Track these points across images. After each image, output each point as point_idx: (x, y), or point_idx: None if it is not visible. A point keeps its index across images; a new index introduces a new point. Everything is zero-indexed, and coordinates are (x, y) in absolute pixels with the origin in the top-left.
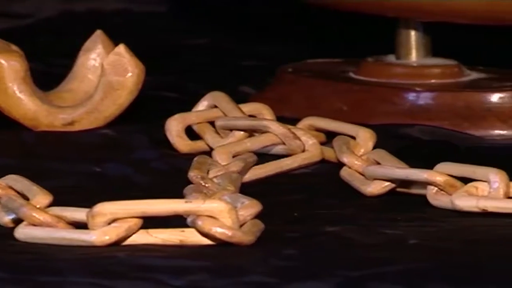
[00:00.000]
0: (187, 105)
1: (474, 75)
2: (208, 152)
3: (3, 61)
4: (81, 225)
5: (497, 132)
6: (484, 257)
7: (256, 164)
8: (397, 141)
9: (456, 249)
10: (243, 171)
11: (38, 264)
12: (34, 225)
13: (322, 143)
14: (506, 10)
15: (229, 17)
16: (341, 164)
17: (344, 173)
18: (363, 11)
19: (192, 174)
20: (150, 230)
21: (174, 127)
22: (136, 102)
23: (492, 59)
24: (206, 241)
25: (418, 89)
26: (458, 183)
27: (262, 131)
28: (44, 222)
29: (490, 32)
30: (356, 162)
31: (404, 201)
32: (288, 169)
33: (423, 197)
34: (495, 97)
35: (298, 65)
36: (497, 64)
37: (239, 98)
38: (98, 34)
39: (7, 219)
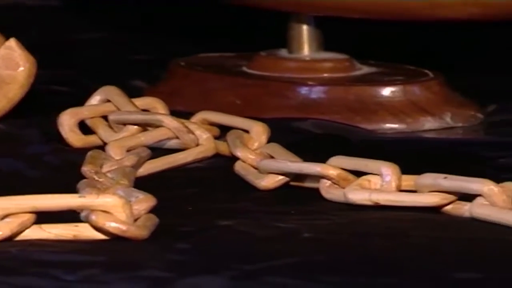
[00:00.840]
0: (80, 100)
1: (365, 69)
2: (102, 147)
3: None
4: None
5: (388, 125)
6: (376, 249)
7: (150, 158)
8: (290, 135)
9: (348, 242)
10: (137, 166)
11: None
12: None
13: (215, 137)
14: (396, 4)
15: (121, 11)
16: (235, 158)
17: (238, 167)
18: (255, 5)
19: (86, 169)
20: (43, 225)
21: (67, 121)
22: (28, 96)
23: (383, 53)
24: (100, 236)
25: (310, 83)
26: (350, 177)
27: (155, 125)
28: None
29: (381, 27)
30: (250, 156)
31: (297, 194)
32: (182, 163)
33: (317, 190)
34: (386, 91)
35: (190, 59)
36: (388, 59)
37: (132, 93)
38: None
39: None
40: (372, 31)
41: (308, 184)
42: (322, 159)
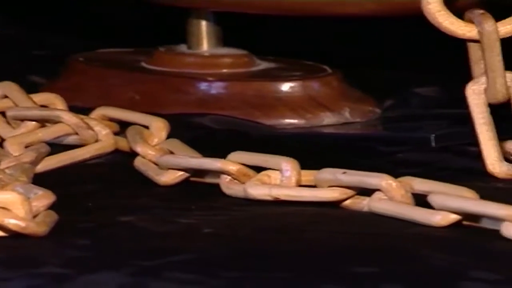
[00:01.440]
0: None
1: (264, 65)
2: (0, 143)
3: None
4: None
5: (287, 121)
6: (275, 244)
7: (49, 154)
8: (190, 130)
9: (248, 238)
10: (35, 162)
11: None
12: None
13: (115, 133)
14: (294, 0)
15: (19, 6)
16: (134, 154)
17: (137, 162)
18: (154, 1)
19: None
20: None
21: None
22: None
23: (281, 49)
24: None
25: (209, 78)
26: (251, 172)
27: (54, 121)
28: None
29: (278, 22)
30: (149, 151)
31: (198, 190)
32: (81, 159)
33: (217, 186)
34: (285, 87)
35: (89, 54)
36: (286, 54)
37: (30, 88)
38: None
39: None
40: (270, 26)
41: (208, 179)
42: (222, 155)
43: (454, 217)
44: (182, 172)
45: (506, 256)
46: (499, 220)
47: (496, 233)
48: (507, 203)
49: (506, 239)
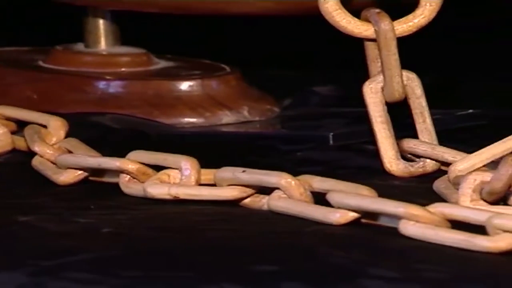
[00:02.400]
0: None
1: (163, 64)
2: None
3: None
4: None
5: (186, 120)
6: (175, 244)
7: None
8: (89, 129)
9: (148, 237)
10: None
11: None
12: None
13: (13, 132)
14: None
15: None
16: (33, 154)
17: (36, 162)
18: None
19: None
20: None
21: None
22: None
23: (180, 48)
24: None
25: (108, 77)
26: (150, 171)
27: None
28: None
29: (177, 21)
30: (48, 151)
31: (97, 189)
32: None
33: (116, 185)
34: (184, 85)
35: None
36: (185, 53)
37: None
38: None
39: None
40: (169, 25)
41: (107, 179)
42: (121, 154)
43: (352, 215)
44: (81, 172)
45: (403, 253)
46: (396, 217)
47: (394, 231)
48: (404, 201)
49: (403, 237)
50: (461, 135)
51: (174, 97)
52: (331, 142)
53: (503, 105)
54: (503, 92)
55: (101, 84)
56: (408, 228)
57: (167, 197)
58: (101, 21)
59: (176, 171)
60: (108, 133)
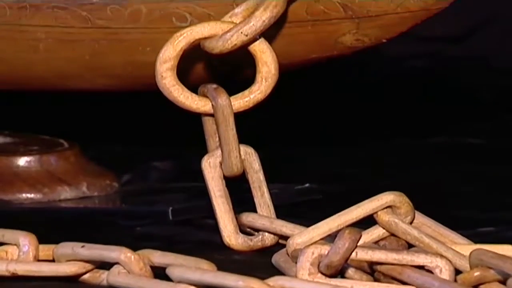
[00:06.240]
0: None
1: (0, 140)
2: None
3: None
4: None
5: (25, 195)
6: None
7: None
8: None
9: None
10: None
11: None
12: None
13: None
14: (25, 74)
15: None
16: None
17: None
18: None
19: None
20: None
21: None
22: None
23: (16, 124)
24: None
25: None
26: None
27: None
28: None
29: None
30: None
31: None
32: None
33: None
34: (22, 161)
35: None
36: (23, 129)
37: None
38: None
39: None
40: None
41: None
42: None
43: None
44: None
45: None
46: None
47: None
48: (244, 275)
49: None
50: (299, 209)
51: (12, 173)
52: (170, 217)
53: (338, 180)
54: (337, 168)
55: None
56: None
57: (6, 273)
58: None
59: (14, 247)
60: None
